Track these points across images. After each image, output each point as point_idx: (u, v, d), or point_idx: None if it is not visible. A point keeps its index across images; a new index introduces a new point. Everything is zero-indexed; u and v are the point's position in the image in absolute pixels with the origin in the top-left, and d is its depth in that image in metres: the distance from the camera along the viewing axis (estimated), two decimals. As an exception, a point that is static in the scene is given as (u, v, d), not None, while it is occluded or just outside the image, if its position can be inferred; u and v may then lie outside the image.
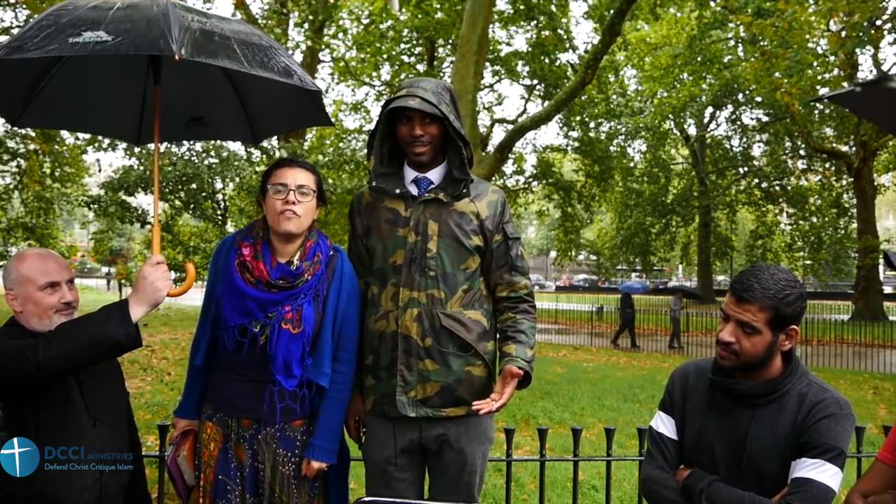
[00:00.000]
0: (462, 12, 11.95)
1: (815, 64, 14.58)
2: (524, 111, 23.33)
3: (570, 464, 3.10)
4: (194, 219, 13.87)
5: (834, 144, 23.72)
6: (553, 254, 37.03)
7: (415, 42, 19.67)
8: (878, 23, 15.45)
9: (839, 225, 26.14)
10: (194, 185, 12.06)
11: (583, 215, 26.32)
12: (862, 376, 11.80)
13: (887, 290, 29.20)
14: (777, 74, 14.33)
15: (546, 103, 18.87)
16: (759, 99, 22.80)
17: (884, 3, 12.79)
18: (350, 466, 2.28)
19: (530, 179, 24.33)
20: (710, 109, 28.55)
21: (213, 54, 1.80)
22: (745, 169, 29.44)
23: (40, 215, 13.85)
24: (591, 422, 7.25)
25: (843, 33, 14.46)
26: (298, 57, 17.16)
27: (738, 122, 28.84)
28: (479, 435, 2.26)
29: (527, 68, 20.67)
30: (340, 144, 16.03)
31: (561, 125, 22.74)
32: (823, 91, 16.26)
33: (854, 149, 23.30)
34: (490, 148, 17.78)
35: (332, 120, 2.54)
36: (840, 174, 25.27)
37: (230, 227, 13.21)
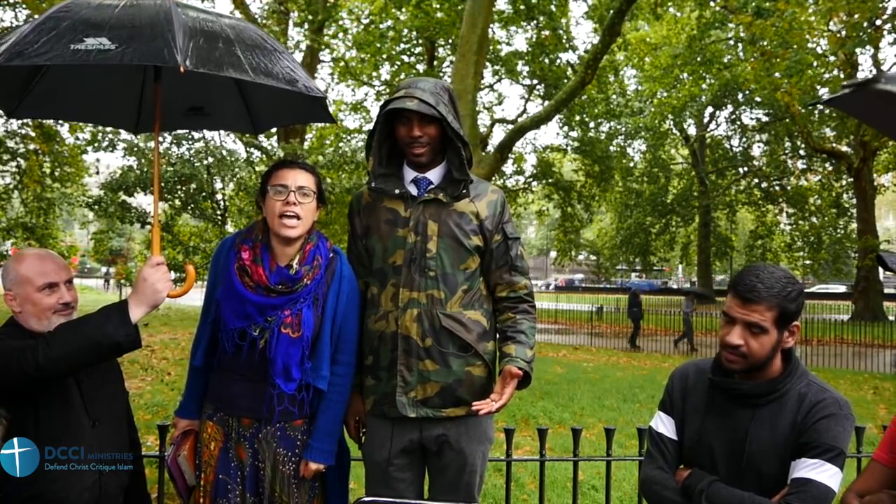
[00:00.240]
0: (462, 12, 11.95)
1: (815, 64, 14.58)
2: (524, 111, 23.35)
3: (570, 464, 3.10)
4: (194, 219, 13.87)
5: (834, 144, 23.71)
6: (553, 254, 37.04)
7: (415, 42, 19.68)
8: (878, 23, 15.45)
9: (839, 225, 26.14)
10: (193, 186, 12.05)
11: (583, 215, 26.33)
12: (862, 376, 11.80)
13: (887, 290, 29.15)
14: (777, 74, 14.33)
15: (546, 103, 18.86)
16: (758, 99, 22.80)
17: (884, 3, 12.79)
18: (350, 466, 2.28)
19: (530, 179, 24.34)
20: (709, 109, 28.55)
21: (217, 64, 1.77)
22: (745, 169, 29.44)
23: (40, 215, 13.85)
24: (591, 422, 7.25)
25: (843, 33, 14.47)
26: (298, 56, 17.16)
27: (738, 122, 28.84)
28: (479, 435, 2.25)
29: (527, 68, 20.67)
30: (340, 144, 16.02)
31: (561, 125, 22.75)
32: (823, 91, 16.28)
33: (854, 149, 23.30)
34: (490, 148, 17.77)
35: (336, 119, 2.53)
36: (840, 174, 25.27)
37: (230, 228, 13.20)
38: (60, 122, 12.13)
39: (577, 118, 22.19)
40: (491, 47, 18.05)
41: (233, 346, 2.07)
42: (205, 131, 12.96)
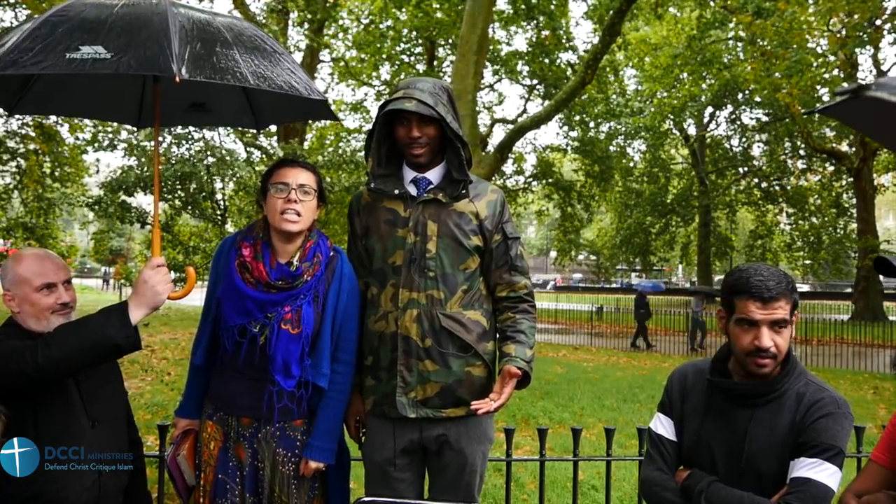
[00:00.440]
0: (462, 12, 11.95)
1: (815, 64, 14.57)
2: (524, 111, 23.34)
3: (570, 464, 3.10)
4: (194, 219, 13.88)
5: (834, 145, 23.70)
6: (553, 254, 37.04)
7: (415, 42, 19.68)
8: (878, 23, 15.45)
9: (839, 225, 26.13)
10: (193, 185, 12.06)
11: (582, 215, 26.32)
12: (862, 376, 11.80)
13: (888, 290, 29.17)
14: (777, 75, 14.32)
15: (546, 103, 18.86)
16: (758, 99, 22.80)
17: (884, 4, 12.78)
18: (350, 466, 2.29)
19: (530, 179, 24.33)
20: (709, 109, 28.54)
21: (215, 71, 1.75)
22: (745, 169, 29.43)
23: (40, 215, 13.85)
24: (591, 422, 7.25)
25: (843, 33, 14.47)
26: (298, 56, 17.17)
27: (738, 122, 28.84)
28: (479, 435, 2.26)
29: (527, 68, 20.67)
30: (340, 144, 16.03)
31: (561, 125, 22.75)
32: (823, 91, 16.27)
33: (854, 149, 23.30)
34: (490, 148, 17.77)
35: (338, 117, 2.52)
36: (840, 174, 25.26)
37: (230, 227, 13.21)
38: (60, 122, 12.12)
39: (577, 118, 22.20)
40: (491, 47, 18.05)
41: (233, 344, 2.07)
42: (205, 131, 12.97)
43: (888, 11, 14.55)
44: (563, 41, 18.24)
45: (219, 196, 13.44)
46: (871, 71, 22.80)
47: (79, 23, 1.72)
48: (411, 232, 2.20)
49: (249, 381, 2.09)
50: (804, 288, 42.01)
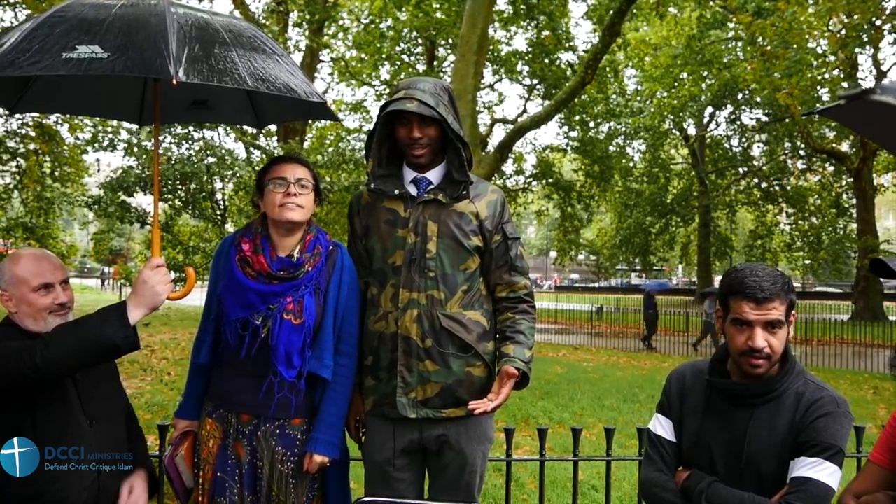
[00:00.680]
0: (462, 12, 11.95)
1: (815, 64, 14.57)
2: (524, 111, 23.35)
3: (570, 464, 3.10)
4: (194, 219, 13.88)
5: (834, 145, 23.69)
6: (553, 254, 37.03)
7: (415, 42, 19.68)
8: (878, 23, 15.44)
9: (839, 225, 26.12)
10: (193, 185, 12.06)
11: (582, 215, 26.32)
12: (862, 376, 11.80)
13: (887, 290, 29.14)
14: (777, 75, 14.32)
15: (546, 103, 18.86)
16: (758, 99, 22.79)
17: (884, 4, 12.78)
18: (350, 466, 2.29)
19: (530, 179, 24.33)
20: (709, 109, 28.54)
21: (212, 72, 1.75)
22: (745, 169, 29.42)
23: (40, 215, 13.84)
24: (591, 422, 7.25)
25: (843, 33, 14.46)
26: (298, 56, 17.16)
27: (738, 122, 28.84)
28: (479, 435, 2.26)
29: (527, 68, 20.67)
30: (340, 144, 16.03)
31: (561, 125, 22.75)
32: (823, 91, 16.27)
33: (854, 149, 23.30)
34: (490, 148, 17.77)
35: (338, 117, 2.52)
36: (840, 174, 25.26)
37: (230, 227, 13.21)
38: (60, 121, 12.11)
39: (577, 118, 22.19)
40: (491, 47, 18.06)
41: (235, 338, 2.07)
42: (205, 131, 12.97)
43: (888, 11, 14.54)
44: (563, 41, 18.24)
45: (219, 196, 13.44)
46: (871, 71, 22.82)
47: (77, 23, 1.72)
48: (411, 232, 2.20)
49: (250, 378, 2.10)
50: (823, 288, 41.60)
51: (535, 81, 21.43)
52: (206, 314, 2.20)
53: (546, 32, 17.55)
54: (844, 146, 24.20)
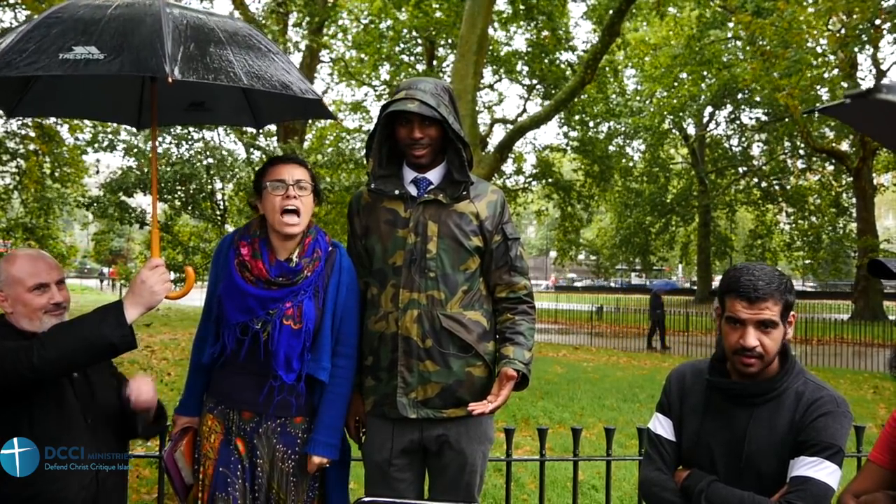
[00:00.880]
0: (462, 12, 11.95)
1: (814, 63, 14.57)
2: (524, 111, 23.35)
3: (570, 464, 3.10)
4: (193, 219, 13.88)
5: (833, 144, 23.69)
6: (553, 254, 37.03)
7: (414, 42, 19.68)
8: (878, 22, 15.44)
9: (838, 224, 26.12)
10: (193, 186, 12.07)
11: (582, 215, 26.31)
12: (862, 376, 11.80)
13: (887, 290, 29.13)
14: (776, 75, 14.32)
15: (546, 103, 18.86)
16: (758, 99, 22.79)
17: (883, 3, 12.78)
18: (350, 466, 2.29)
19: (530, 179, 24.33)
20: (709, 109, 28.54)
21: (208, 71, 1.76)
22: (745, 168, 29.42)
23: (40, 216, 13.84)
24: (591, 422, 7.25)
25: (843, 32, 14.46)
26: (297, 56, 17.15)
27: (738, 122, 28.84)
28: (480, 435, 2.26)
29: (526, 68, 20.68)
30: (340, 145, 16.03)
31: (560, 125, 22.75)
32: (823, 91, 16.26)
33: (854, 148, 23.29)
34: (490, 148, 17.78)
35: (336, 116, 2.53)
36: (839, 174, 25.26)
37: (229, 227, 13.21)
38: (60, 122, 12.12)
39: (577, 118, 22.20)
40: (490, 47, 18.05)
41: (234, 342, 2.07)
42: (204, 131, 12.97)
43: (887, 11, 14.53)
44: (563, 41, 18.24)
45: (218, 196, 13.45)
46: (870, 71, 22.80)
47: (73, 24, 1.73)
48: (412, 232, 2.20)
49: (251, 376, 2.10)
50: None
51: (534, 81, 21.44)
52: (207, 314, 2.20)
53: (546, 32, 17.54)
54: (844, 146, 24.19)
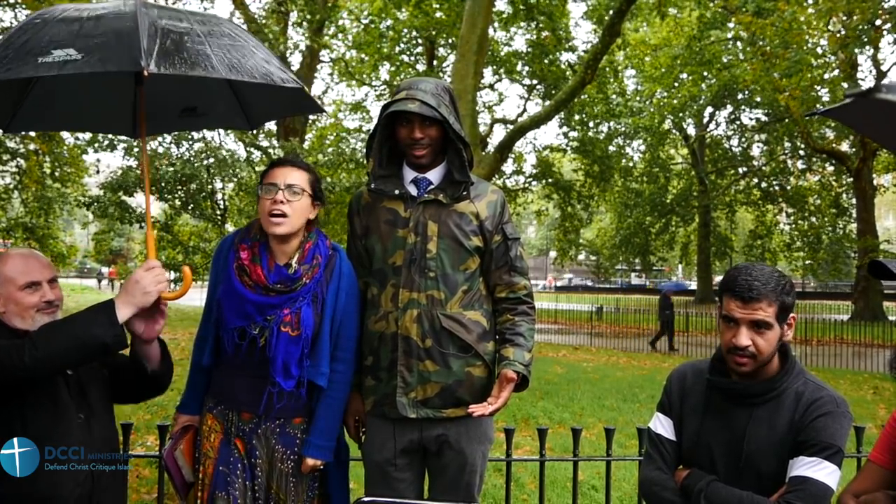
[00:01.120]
0: (462, 12, 11.95)
1: (814, 64, 14.57)
2: (524, 111, 23.35)
3: (570, 464, 3.10)
4: (194, 219, 13.87)
5: (834, 145, 23.69)
6: (553, 254, 37.04)
7: (414, 42, 19.68)
8: (878, 23, 15.44)
9: (838, 225, 26.12)
10: (193, 186, 12.06)
11: (582, 215, 26.32)
12: (862, 376, 11.80)
13: (887, 290, 29.11)
14: (777, 75, 14.32)
15: (546, 103, 18.86)
16: (758, 99, 22.80)
17: (884, 4, 12.78)
18: (350, 466, 2.29)
19: (530, 179, 24.33)
20: (709, 109, 28.54)
21: (184, 63, 1.77)
22: (745, 169, 29.42)
23: (40, 215, 13.85)
24: (591, 422, 7.25)
25: (843, 32, 14.46)
26: (298, 56, 17.17)
27: (738, 122, 28.84)
28: (479, 435, 2.26)
29: (527, 68, 20.68)
30: (340, 144, 16.03)
31: (560, 125, 22.76)
32: (823, 91, 16.26)
33: (854, 149, 23.29)
34: (490, 148, 17.78)
35: (323, 107, 2.57)
36: (839, 174, 25.26)
37: (229, 227, 13.21)
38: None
39: (577, 118, 22.20)
40: (491, 47, 18.05)
41: (232, 346, 2.08)
42: (204, 131, 12.97)
43: (887, 12, 14.53)
44: (563, 41, 18.24)
45: (218, 196, 13.44)
46: (870, 71, 22.81)
47: (50, 30, 1.76)
48: (412, 232, 2.20)
49: (250, 378, 2.10)
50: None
51: (534, 81, 21.44)
52: (207, 315, 2.20)
53: (546, 33, 17.54)
54: (844, 146, 24.19)
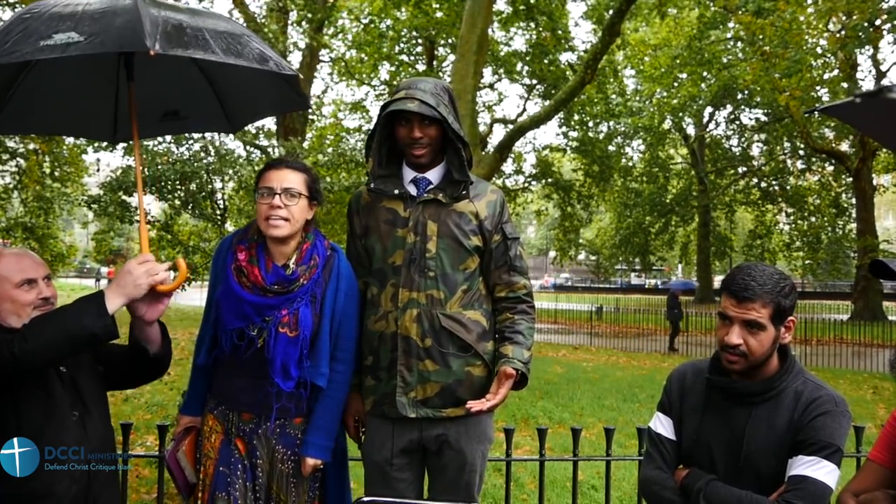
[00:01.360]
0: (462, 12, 11.95)
1: (814, 63, 14.57)
2: (524, 111, 23.34)
3: (570, 463, 3.11)
4: (193, 218, 13.85)
5: (833, 145, 23.69)
6: (552, 253, 37.04)
7: (414, 42, 19.68)
8: (878, 23, 15.44)
9: (838, 225, 26.13)
10: (193, 185, 12.03)
11: (582, 215, 26.31)
12: (861, 376, 11.81)
13: (887, 290, 29.12)
14: (777, 75, 14.32)
15: (546, 103, 18.85)
16: (758, 99, 22.80)
17: (883, 4, 12.78)
18: (350, 466, 2.29)
19: (529, 179, 24.33)
20: (709, 109, 28.54)
21: (186, 46, 1.80)
22: (744, 169, 29.43)
23: (40, 215, 13.83)
24: (590, 422, 7.26)
25: (843, 32, 14.46)
26: (297, 56, 17.15)
27: (737, 122, 28.84)
28: (479, 435, 2.26)
29: (526, 68, 20.67)
30: (340, 144, 16.02)
31: (560, 125, 22.75)
32: (823, 91, 16.26)
33: (853, 149, 23.30)
34: (490, 148, 17.77)
35: (309, 102, 2.55)
36: (839, 174, 25.26)
37: (229, 227, 13.19)
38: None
39: (577, 118, 22.19)
40: (491, 47, 18.04)
41: (231, 347, 2.08)
42: (204, 131, 12.95)
43: (887, 11, 14.54)
44: (563, 41, 18.23)
45: (218, 196, 13.41)
46: (870, 71, 22.82)
47: (49, 16, 1.77)
48: (411, 232, 2.20)
49: (250, 379, 2.10)
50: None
51: (534, 81, 21.43)
52: (206, 317, 2.20)
53: (546, 33, 17.54)
54: (844, 146, 24.19)
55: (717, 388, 1.87)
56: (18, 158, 13.12)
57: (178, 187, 12.10)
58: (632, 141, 27.77)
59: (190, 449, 2.19)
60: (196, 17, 1.95)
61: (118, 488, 2.11)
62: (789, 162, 27.83)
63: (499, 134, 27.56)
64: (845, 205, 26.01)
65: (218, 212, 13.02)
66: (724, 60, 21.30)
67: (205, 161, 10.57)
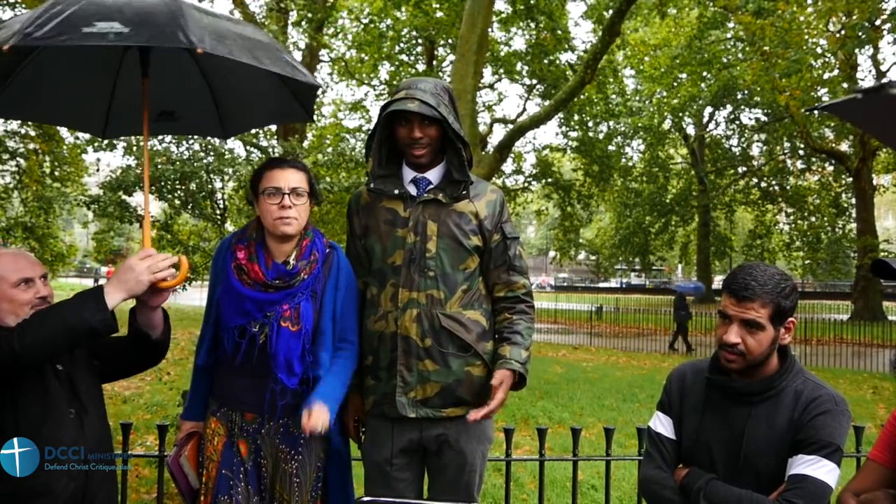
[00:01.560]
0: (462, 12, 11.95)
1: (814, 64, 14.57)
2: (524, 111, 23.34)
3: (570, 463, 3.11)
4: (193, 218, 13.85)
5: (833, 144, 23.69)
6: (552, 253, 37.05)
7: (414, 42, 19.68)
8: (878, 22, 15.44)
9: (838, 225, 26.13)
10: (193, 185, 12.03)
11: (582, 215, 26.32)
12: (861, 376, 11.81)
13: (887, 290, 29.11)
14: (776, 75, 14.32)
15: (546, 103, 18.85)
16: (757, 99, 22.80)
17: (883, 4, 12.79)
18: (351, 466, 2.28)
19: (529, 179, 24.33)
20: (709, 109, 28.54)
21: (229, 49, 1.83)
22: (744, 169, 29.43)
23: (40, 215, 13.83)
24: (590, 421, 7.26)
25: (843, 32, 14.47)
26: (297, 56, 17.14)
27: (737, 122, 28.84)
28: (479, 434, 2.26)
29: (526, 68, 20.67)
30: (341, 144, 16.01)
31: (560, 125, 22.75)
32: (823, 91, 16.26)
33: (853, 149, 23.30)
34: (490, 148, 17.77)
35: (313, 117, 2.57)
36: (839, 174, 25.27)
37: (229, 227, 13.20)
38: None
39: (577, 118, 22.19)
40: (491, 47, 18.04)
41: (232, 345, 2.07)
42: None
43: (887, 12, 14.54)
44: (563, 41, 18.22)
45: (218, 195, 13.41)
46: (870, 71, 22.82)
47: (87, 5, 1.77)
48: (411, 232, 2.20)
49: (252, 379, 2.10)
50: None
51: (534, 81, 21.42)
52: (207, 317, 2.20)
53: (545, 33, 17.53)
54: (844, 146, 24.20)
55: (716, 388, 1.87)
56: (18, 158, 13.12)
57: (178, 187, 12.09)
58: (632, 141, 27.77)
59: (192, 454, 2.19)
60: (231, 24, 2.00)
61: (116, 486, 2.11)
62: (789, 162, 27.83)
63: (499, 134, 27.60)
64: (845, 205, 26.02)
65: (218, 211, 13.01)
66: (724, 60, 21.30)
67: (204, 161, 10.58)
